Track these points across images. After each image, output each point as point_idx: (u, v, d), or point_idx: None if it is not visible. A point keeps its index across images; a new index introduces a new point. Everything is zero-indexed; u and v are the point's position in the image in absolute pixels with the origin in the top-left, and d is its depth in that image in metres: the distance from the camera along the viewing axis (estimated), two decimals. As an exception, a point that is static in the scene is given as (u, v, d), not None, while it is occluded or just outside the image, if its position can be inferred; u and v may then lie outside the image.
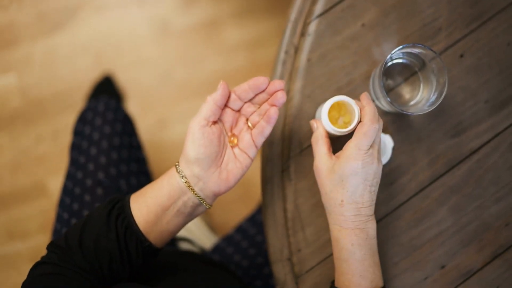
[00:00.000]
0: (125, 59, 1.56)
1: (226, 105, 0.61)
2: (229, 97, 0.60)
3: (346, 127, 0.63)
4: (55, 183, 1.52)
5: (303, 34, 0.73)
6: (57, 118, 1.55)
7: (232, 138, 0.62)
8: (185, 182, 0.59)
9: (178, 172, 0.59)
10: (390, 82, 0.70)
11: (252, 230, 0.96)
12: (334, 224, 0.62)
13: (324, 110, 0.63)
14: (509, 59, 0.73)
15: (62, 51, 1.56)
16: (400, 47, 0.61)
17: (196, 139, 0.58)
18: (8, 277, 1.50)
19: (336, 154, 0.62)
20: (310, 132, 0.72)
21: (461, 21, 0.73)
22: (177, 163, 0.60)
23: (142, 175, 0.94)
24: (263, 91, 0.60)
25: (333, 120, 0.65)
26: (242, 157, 0.61)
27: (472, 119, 0.73)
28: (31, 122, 1.55)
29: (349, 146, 0.59)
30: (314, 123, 0.65)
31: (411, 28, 0.73)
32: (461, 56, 0.73)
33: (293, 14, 0.73)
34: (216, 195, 0.61)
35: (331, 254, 0.72)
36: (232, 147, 0.62)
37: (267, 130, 0.60)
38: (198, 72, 1.55)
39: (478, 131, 0.73)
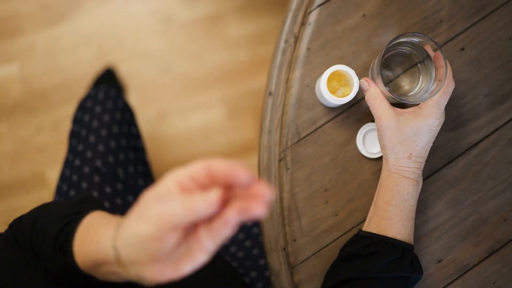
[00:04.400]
0: (127, 51, 1.56)
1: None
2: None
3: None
4: (54, 174, 1.52)
5: (303, 23, 0.72)
6: (57, 109, 1.55)
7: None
8: (118, 262, 0.45)
9: (113, 247, 0.45)
10: (389, 73, 0.69)
11: (249, 222, 0.95)
12: (395, 173, 0.65)
13: (323, 78, 0.63)
14: (510, 53, 0.72)
15: (64, 42, 1.57)
16: (401, 35, 0.61)
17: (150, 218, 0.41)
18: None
19: (406, 110, 0.64)
20: (308, 122, 0.72)
21: (463, 14, 0.72)
22: (115, 227, 0.46)
23: (140, 164, 0.94)
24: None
25: (332, 90, 0.66)
26: (196, 251, 0.44)
27: (472, 113, 0.72)
28: (31, 112, 1.55)
29: (429, 104, 0.62)
30: (365, 82, 0.66)
31: (412, 20, 0.72)
32: (462, 49, 0.72)
33: (294, 3, 0.73)
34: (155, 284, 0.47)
35: (327, 245, 0.71)
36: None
37: (220, 236, 0.42)
38: (199, 66, 1.55)
39: (477, 125, 0.72)
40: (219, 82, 1.54)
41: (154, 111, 1.54)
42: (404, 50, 0.68)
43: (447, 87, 0.62)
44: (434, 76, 0.65)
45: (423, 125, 0.62)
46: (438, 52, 0.62)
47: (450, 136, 0.72)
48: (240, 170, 0.42)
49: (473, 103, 0.72)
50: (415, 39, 0.64)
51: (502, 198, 0.72)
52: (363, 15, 0.72)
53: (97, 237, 0.48)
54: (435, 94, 0.61)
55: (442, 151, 0.72)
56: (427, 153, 0.65)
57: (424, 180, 0.71)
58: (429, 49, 0.64)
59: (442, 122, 0.64)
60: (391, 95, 0.62)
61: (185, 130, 1.52)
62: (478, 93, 0.72)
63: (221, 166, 0.42)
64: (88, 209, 0.54)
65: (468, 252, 0.71)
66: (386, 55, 0.67)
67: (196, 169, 0.42)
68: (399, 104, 0.68)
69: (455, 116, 0.72)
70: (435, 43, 0.61)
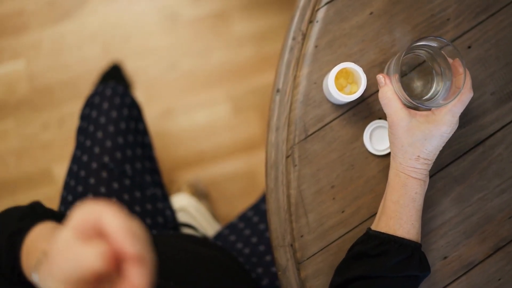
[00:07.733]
0: (132, 48, 1.57)
1: None
2: None
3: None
4: (60, 170, 1.53)
5: (311, 20, 0.73)
6: (63, 106, 1.56)
7: None
8: None
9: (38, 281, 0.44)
10: (403, 75, 0.69)
11: (255, 218, 0.96)
12: (402, 172, 0.64)
13: (331, 74, 0.63)
14: (517, 51, 0.73)
15: (70, 39, 1.57)
16: (422, 38, 0.60)
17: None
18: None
19: (419, 113, 0.63)
20: (315, 119, 0.73)
21: (470, 12, 0.73)
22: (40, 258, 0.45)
23: (147, 160, 0.95)
24: None
25: (339, 87, 0.66)
26: None
27: (478, 111, 0.73)
28: (37, 109, 1.56)
29: (443, 111, 0.61)
30: (382, 78, 0.65)
31: (419, 18, 0.73)
32: (469, 47, 0.73)
33: (301, 1, 0.73)
34: None
35: (334, 241, 0.72)
36: None
37: None
38: (205, 64, 1.55)
39: (484, 123, 0.73)
40: (225, 79, 1.55)
41: (159, 108, 1.55)
42: (420, 53, 0.67)
43: (464, 95, 0.60)
44: (450, 81, 0.64)
45: (434, 131, 0.61)
46: (457, 59, 0.61)
47: (456, 133, 0.72)
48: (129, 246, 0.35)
49: (480, 100, 0.73)
50: (434, 43, 0.63)
51: (507, 196, 0.72)
52: (370, 13, 0.73)
53: (31, 261, 0.47)
54: (450, 101, 0.60)
55: (448, 148, 0.72)
56: (436, 156, 0.64)
57: (430, 177, 0.72)
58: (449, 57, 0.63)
59: (455, 129, 0.63)
60: (406, 97, 0.61)
61: (191, 127, 1.53)
62: (484, 91, 0.73)
63: (111, 229, 0.36)
64: (32, 222, 0.53)
65: (473, 249, 0.72)
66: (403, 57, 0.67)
67: (80, 220, 0.38)
68: (412, 106, 0.68)
69: (461, 113, 0.72)
70: (457, 49, 0.60)
